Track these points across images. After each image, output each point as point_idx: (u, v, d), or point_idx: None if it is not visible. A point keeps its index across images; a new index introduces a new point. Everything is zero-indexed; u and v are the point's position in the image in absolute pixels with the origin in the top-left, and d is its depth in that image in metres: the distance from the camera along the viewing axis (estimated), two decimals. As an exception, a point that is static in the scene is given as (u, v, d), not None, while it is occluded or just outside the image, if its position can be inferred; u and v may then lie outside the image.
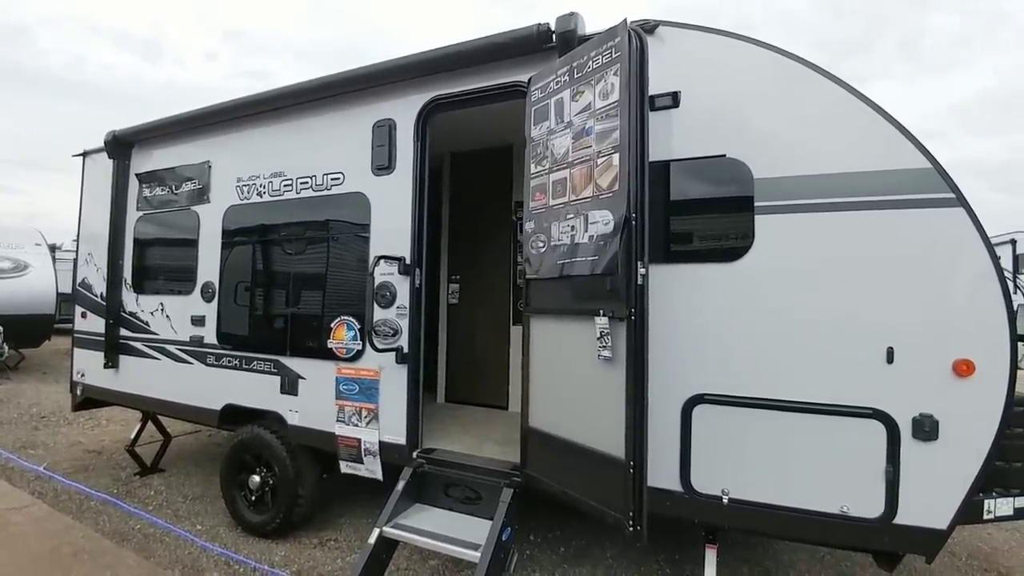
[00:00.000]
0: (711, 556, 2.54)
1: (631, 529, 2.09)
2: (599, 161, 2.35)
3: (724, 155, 2.44)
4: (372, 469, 3.10)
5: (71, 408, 4.97)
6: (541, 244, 2.61)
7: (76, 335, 4.80)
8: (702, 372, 2.39)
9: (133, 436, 4.66)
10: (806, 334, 2.26)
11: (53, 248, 10.87)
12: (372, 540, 2.58)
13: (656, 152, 2.47)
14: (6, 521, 3.63)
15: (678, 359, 2.40)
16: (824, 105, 2.32)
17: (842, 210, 2.23)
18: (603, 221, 2.29)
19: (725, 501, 2.32)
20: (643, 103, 2.22)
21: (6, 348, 8.82)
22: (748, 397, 2.31)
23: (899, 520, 2.11)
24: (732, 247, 2.43)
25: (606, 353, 2.23)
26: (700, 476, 2.38)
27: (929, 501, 2.11)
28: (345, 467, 3.21)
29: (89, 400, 4.74)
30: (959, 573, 3.18)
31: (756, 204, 2.36)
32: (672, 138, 2.53)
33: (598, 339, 2.25)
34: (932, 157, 2.17)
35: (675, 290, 2.44)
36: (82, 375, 4.71)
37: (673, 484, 2.40)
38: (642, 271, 2.14)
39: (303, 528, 3.55)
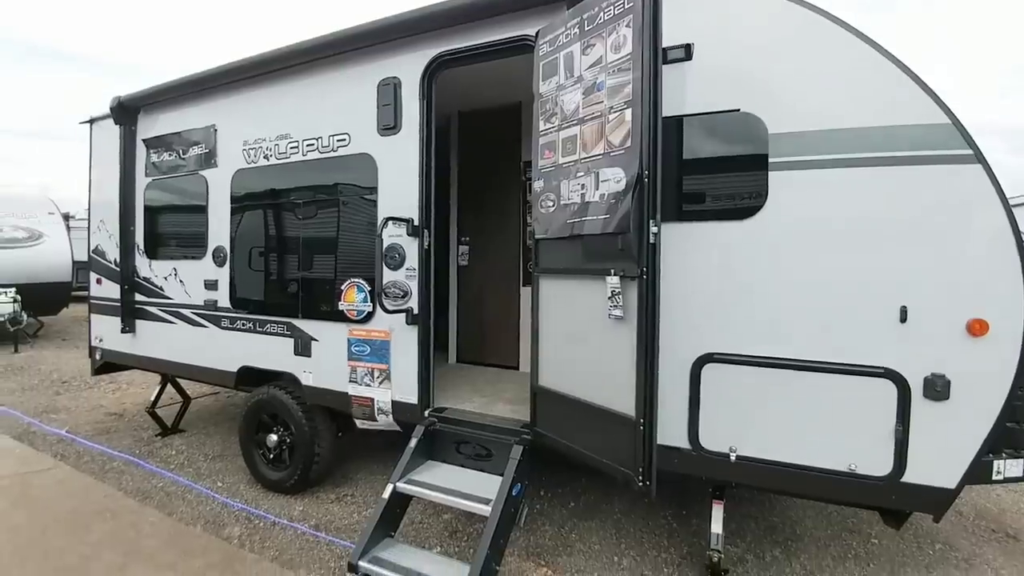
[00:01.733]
0: (717, 511, 2.59)
1: (640, 485, 2.14)
2: (611, 117, 2.29)
3: (738, 109, 2.36)
4: (389, 422, 3.18)
5: (91, 373, 5.10)
6: (551, 203, 2.58)
7: (92, 301, 4.88)
8: (712, 331, 2.38)
9: (153, 398, 4.80)
10: (817, 293, 2.24)
11: (67, 217, 10.96)
12: (386, 495, 2.67)
13: (668, 107, 2.40)
14: (28, 484, 3.78)
15: (688, 318, 2.39)
16: (841, 58, 2.23)
17: (857, 166, 2.18)
18: (615, 179, 2.24)
19: (732, 458, 2.36)
20: (657, 56, 2.14)
21: (25, 316, 9.01)
22: (758, 356, 2.31)
23: (907, 479, 2.13)
24: (744, 205, 2.38)
25: (617, 312, 2.22)
26: (708, 434, 2.40)
27: (938, 460, 2.12)
28: (361, 423, 3.29)
29: (108, 364, 4.86)
30: (966, 533, 3.22)
31: (770, 160, 2.31)
32: (685, 92, 2.45)
33: (609, 298, 2.24)
34: (951, 112, 2.10)
35: (686, 249, 2.41)
36: (100, 340, 4.81)
37: (681, 441, 2.44)
38: (654, 230, 2.11)
39: (320, 484, 3.67)
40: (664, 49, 2.39)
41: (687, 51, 2.42)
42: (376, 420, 3.20)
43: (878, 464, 2.16)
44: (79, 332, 10.22)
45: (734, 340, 2.35)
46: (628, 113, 2.20)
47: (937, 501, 2.15)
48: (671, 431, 2.41)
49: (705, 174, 2.53)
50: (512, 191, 4.49)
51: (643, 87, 2.14)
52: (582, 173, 2.41)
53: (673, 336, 2.35)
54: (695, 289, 2.40)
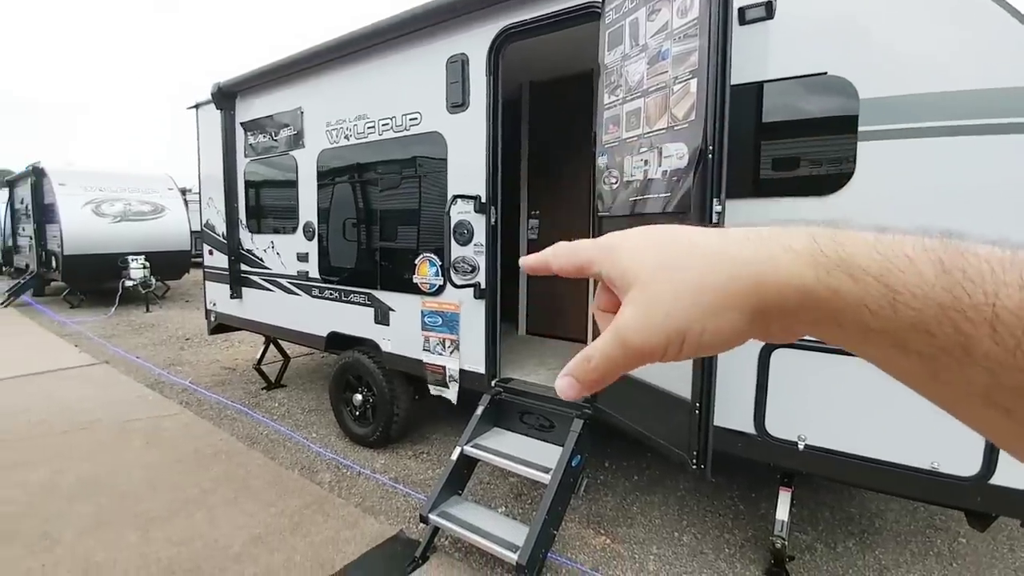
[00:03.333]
0: (784, 498, 2.52)
1: (693, 467, 2.13)
2: (675, 88, 2.19)
3: (825, 72, 2.16)
4: (459, 390, 3.38)
5: (208, 332, 5.81)
6: (614, 180, 2.54)
7: (206, 270, 5.52)
8: (784, 314, 2.27)
9: (259, 356, 5.40)
10: None
11: (184, 191, 12.27)
12: (454, 457, 2.86)
13: (747, 73, 2.26)
14: (159, 426, 4.44)
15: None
16: (946, 9, 1.95)
17: (963, 134, 1.92)
18: (677, 155, 2.16)
19: (801, 447, 2.27)
20: (726, 18, 2.00)
21: (154, 280, 10.33)
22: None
23: (996, 480, 1.95)
24: (829, 179, 2.21)
25: (677, 293, 2.18)
26: (775, 420, 2.33)
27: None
28: (433, 389, 3.52)
29: (221, 325, 5.52)
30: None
31: (860, 129, 2.10)
32: (767, 55, 2.28)
33: (669, 279, 2.20)
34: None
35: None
36: (214, 304, 5.45)
37: (746, 426, 2.38)
38: (718, 209, 2.02)
39: (399, 441, 4.00)
40: (742, 8, 2.25)
41: (768, 9, 2.24)
42: (448, 387, 3.40)
43: (965, 463, 1.99)
44: (199, 295, 11.55)
45: (808, 323, 2.23)
46: (693, 83, 2.09)
47: (1030, 506, 1.96)
48: (736, 415, 2.36)
49: (785, 146, 2.37)
50: (584, 162, 4.42)
51: (710, 54, 2.01)
52: (645, 148, 2.34)
53: (739, 318, 2.27)
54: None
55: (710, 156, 2.02)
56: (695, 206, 2.05)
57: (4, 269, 15.49)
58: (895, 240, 0.28)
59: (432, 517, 2.66)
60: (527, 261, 0.41)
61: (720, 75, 2.03)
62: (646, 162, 2.34)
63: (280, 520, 3.02)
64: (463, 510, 2.73)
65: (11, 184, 13.26)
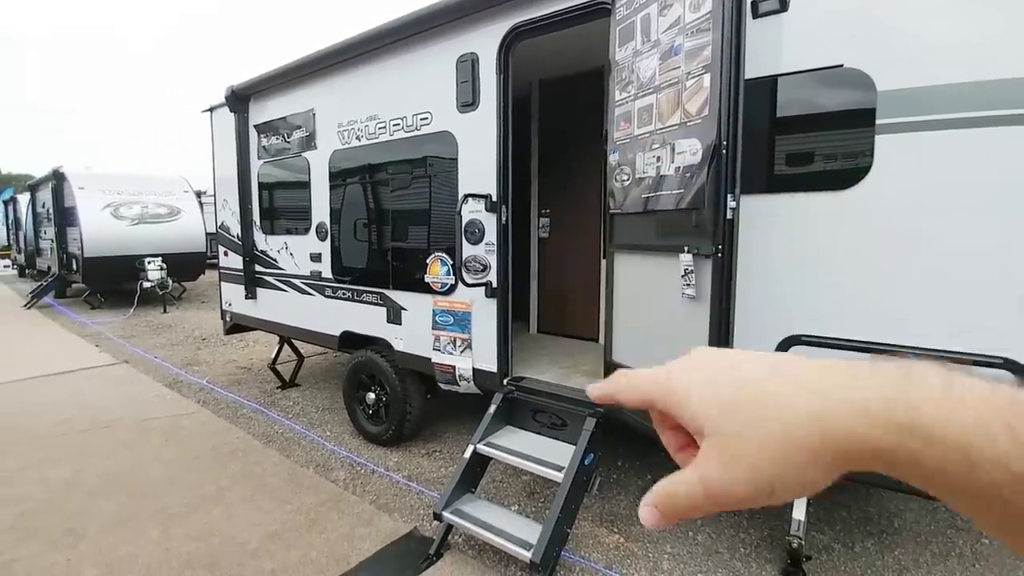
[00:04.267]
0: (801, 499, 2.49)
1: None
2: (688, 84, 2.17)
3: (841, 65, 2.13)
4: (469, 388, 3.39)
5: (224, 332, 5.89)
6: (626, 177, 2.52)
7: (221, 271, 5.59)
8: (800, 311, 2.24)
9: (273, 356, 5.46)
10: (927, 272, 2.01)
11: (199, 194, 12.44)
12: (467, 455, 2.87)
13: (761, 66, 2.23)
14: (177, 425, 4.51)
15: (773, 298, 2.27)
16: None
17: (986, 125, 1.88)
18: (691, 151, 2.15)
19: (818, 443, 2.24)
20: (740, 12, 1.98)
21: (170, 282, 10.49)
22: (852, 340, 2.14)
23: None
24: (845, 173, 2.17)
25: (690, 292, 2.16)
26: (791, 417, 2.30)
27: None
28: (444, 386, 3.53)
29: (237, 326, 5.59)
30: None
31: (878, 121, 2.07)
32: (781, 48, 2.25)
33: (682, 277, 2.18)
34: None
35: (774, 223, 2.26)
36: (229, 304, 5.52)
37: (761, 423, 2.35)
38: (732, 205, 2.00)
39: (412, 439, 4.02)
40: (755, 2, 2.22)
41: (782, 1, 2.21)
42: (458, 385, 3.41)
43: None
44: (214, 296, 11.69)
45: (826, 321, 2.20)
46: (706, 78, 2.07)
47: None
48: (749, 412, 2.34)
49: (800, 140, 2.34)
50: (594, 161, 4.40)
51: (723, 48, 1.99)
52: (658, 145, 2.33)
53: (756, 314, 2.25)
54: (783, 266, 2.26)
55: (724, 152, 2.01)
56: (709, 202, 2.03)
57: (27, 272, 15.85)
58: (966, 398, 0.28)
59: (446, 515, 2.67)
60: (594, 392, 0.43)
61: (734, 69, 2.01)
62: (658, 159, 2.32)
63: (296, 517, 3.06)
64: (476, 508, 2.74)
65: (33, 188, 13.56)
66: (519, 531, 2.51)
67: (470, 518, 2.64)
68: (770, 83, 2.29)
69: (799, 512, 2.47)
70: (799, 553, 2.50)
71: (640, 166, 2.43)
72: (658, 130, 2.34)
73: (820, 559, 2.67)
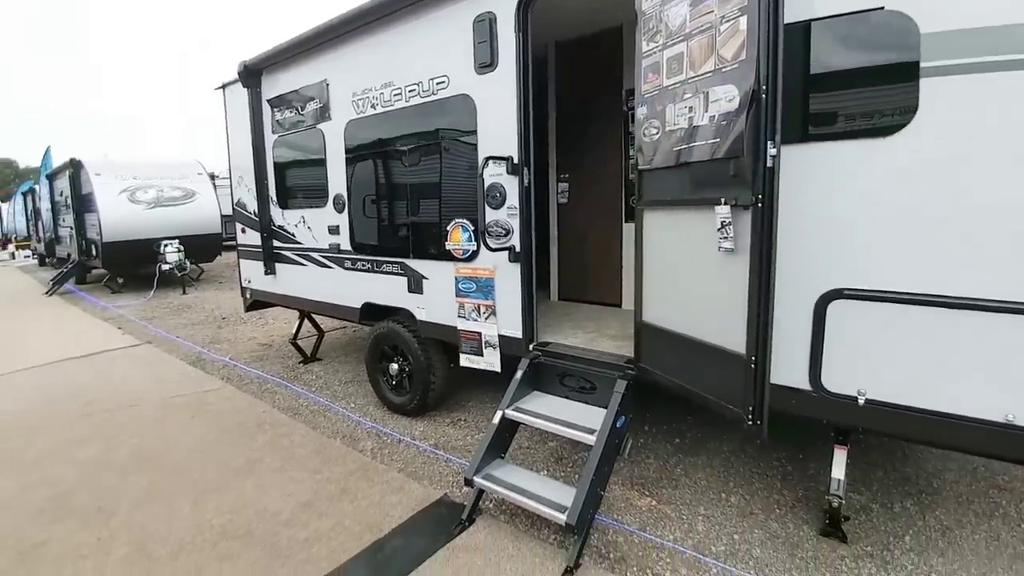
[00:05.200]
0: (840, 456, 2.44)
1: (749, 424, 2.07)
2: (722, 28, 2.05)
3: (882, 8, 1.99)
4: (491, 361, 3.35)
5: (244, 309, 5.92)
6: (655, 131, 2.42)
7: (240, 248, 5.59)
8: (841, 265, 2.15)
9: (294, 331, 5.49)
10: (974, 220, 1.90)
11: (212, 176, 12.46)
12: (496, 420, 2.85)
13: (793, 11, 2.10)
14: (203, 401, 4.56)
15: (813, 251, 2.17)
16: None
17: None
18: (726, 97, 2.04)
19: (861, 402, 2.17)
20: (782, -55, 1.85)
21: (188, 263, 10.58)
22: (898, 292, 2.05)
23: (1082, 428, 1.83)
24: (888, 119, 2.05)
25: (727, 245, 2.08)
26: (832, 375, 2.22)
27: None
28: (465, 360, 3.49)
29: (257, 302, 5.61)
30: None
31: (922, 65, 1.94)
32: (819, -10, 2.11)
33: (718, 230, 2.10)
34: None
35: (812, 173, 2.15)
36: (249, 282, 5.53)
37: (801, 382, 2.29)
38: (772, 152, 1.90)
39: (437, 409, 4.02)
40: (791, -63, 2.08)
41: (822, -63, 2.07)
42: (483, 355, 3.38)
43: (1045, 414, 1.87)
44: (232, 276, 11.84)
45: (868, 274, 2.10)
46: (743, 21, 1.96)
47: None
48: (788, 371, 2.27)
49: (838, 87, 2.19)
50: (614, 123, 4.27)
51: (764, -14, 1.87)
52: (689, 94, 2.22)
53: (794, 269, 2.17)
54: (822, 217, 2.15)
55: (763, 96, 1.90)
56: (748, 150, 1.93)
57: (47, 260, 16.10)
58: None
59: (477, 480, 2.66)
60: None
61: (772, 9, 1.89)
62: (691, 109, 2.22)
63: (327, 487, 3.08)
64: (507, 473, 2.73)
65: (51, 178, 13.67)
66: (552, 494, 2.49)
67: (502, 483, 2.63)
68: (803, 29, 2.16)
69: (839, 471, 2.42)
70: (838, 513, 2.46)
71: (671, 118, 2.32)
72: (690, 79, 2.23)
73: (858, 519, 2.63)
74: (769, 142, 1.90)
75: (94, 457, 3.57)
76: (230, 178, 5.61)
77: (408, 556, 2.45)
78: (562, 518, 2.31)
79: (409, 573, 2.33)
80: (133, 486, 3.19)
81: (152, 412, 4.34)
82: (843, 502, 2.43)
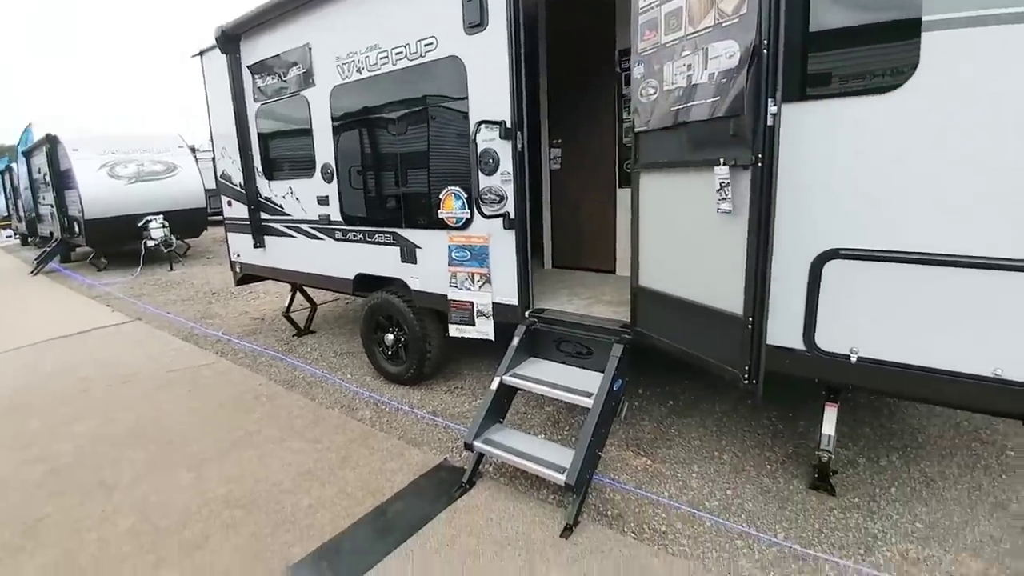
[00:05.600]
0: (831, 413, 2.50)
1: (745, 383, 2.10)
2: (724, -22, 1.99)
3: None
4: (483, 330, 3.35)
5: (235, 284, 5.85)
6: (652, 90, 2.37)
7: (227, 221, 5.48)
8: (837, 225, 2.15)
9: (287, 304, 5.45)
10: (971, 178, 1.90)
11: (193, 149, 12.12)
12: (494, 386, 2.88)
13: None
14: (199, 375, 4.55)
15: (809, 211, 2.17)
16: None
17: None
18: (726, 54, 1.99)
19: (853, 360, 2.21)
20: None
21: (174, 239, 10.40)
22: (892, 251, 2.06)
23: (1066, 381, 1.88)
24: (888, 75, 2.02)
25: (726, 206, 2.07)
26: (826, 334, 2.26)
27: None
28: (454, 330, 3.46)
29: (247, 276, 5.54)
30: None
31: (924, 18, 1.90)
32: (818, -61, 2.05)
33: (717, 191, 2.08)
34: None
35: (811, 132, 2.13)
36: (238, 255, 5.45)
37: (795, 342, 2.32)
38: (773, 109, 1.87)
39: (433, 378, 4.05)
40: None
41: None
42: (474, 324, 3.37)
43: (1032, 367, 1.92)
44: (220, 251, 11.67)
45: (866, 234, 2.10)
46: (746, -29, 1.90)
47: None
48: (783, 331, 2.30)
49: (837, 42, 2.15)
50: (606, 86, 4.19)
51: (766, -66, 1.81)
52: (688, 52, 2.17)
53: (790, 230, 2.17)
54: (821, 178, 2.14)
55: (765, 52, 1.86)
56: (748, 108, 1.90)
57: (30, 240, 15.74)
58: None
59: (477, 444, 2.70)
60: None
61: (774, -41, 1.83)
62: (689, 67, 2.17)
63: (327, 455, 3.11)
64: (506, 437, 2.77)
65: (27, 155, 13.24)
66: (551, 456, 2.53)
67: (501, 446, 2.67)
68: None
69: (829, 427, 2.48)
70: (827, 467, 2.53)
71: (668, 77, 2.27)
72: (689, 35, 2.17)
73: (846, 473, 2.71)
74: (770, 99, 1.87)
75: (91, 432, 3.57)
76: (212, 149, 5.46)
77: (411, 518, 2.50)
78: (561, 478, 2.36)
79: (413, 534, 2.39)
80: (133, 459, 3.20)
81: (147, 387, 4.33)
82: (832, 457, 2.50)
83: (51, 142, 10.80)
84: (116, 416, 3.80)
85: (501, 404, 2.94)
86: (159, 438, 3.44)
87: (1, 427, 3.73)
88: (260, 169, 4.84)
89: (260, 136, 4.77)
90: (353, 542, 2.39)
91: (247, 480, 2.91)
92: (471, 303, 3.36)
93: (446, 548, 2.30)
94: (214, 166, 5.50)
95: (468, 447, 2.73)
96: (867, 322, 2.16)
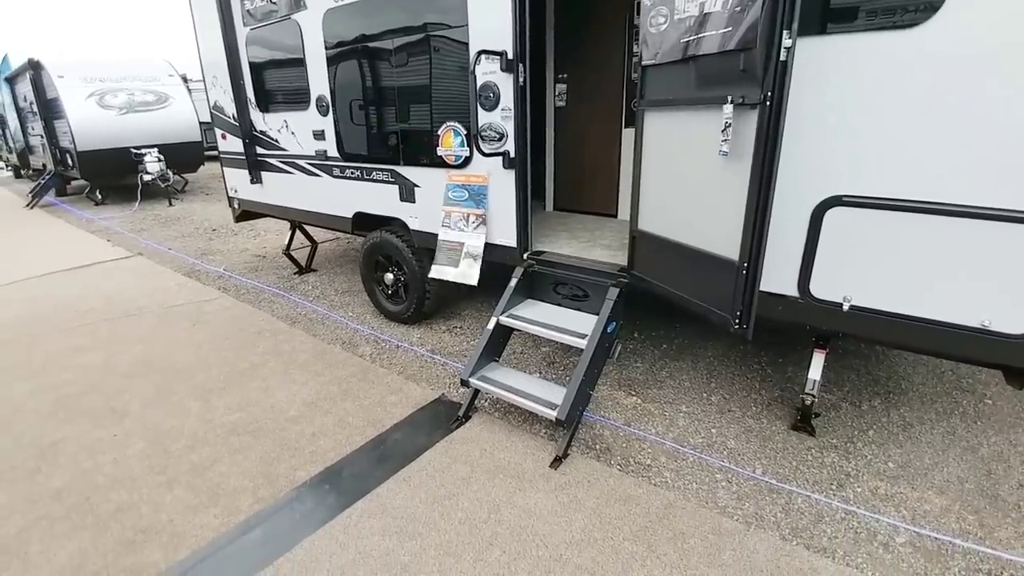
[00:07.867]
0: (818, 358, 2.55)
1: (736, 327, 2.13)
2: None
3: None
4: (466, 273, 3.31)
5: (234, 220, 5.80)
6: (662, 19, 2.25)
7: (222, 156, 5.37)
8: (844, 170, 2.10)
9: (287, 242, 5.44)
10: (993, 125, 1.83)
11: (185, 79, 11.64)
12: (490, 326, 2.92)
13: None
14: (202, 310, 4.61)
15: (816, 155, 2.12)
16: None
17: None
18: (742, -19, 1.88)
19: (845, 308, 2.23)
20: None
21: (171, 174, 10.21)
22: (895, 199, 2.03)
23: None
24: (913, 9, 1.91)
25: (726, 148, 2.02)
26: (821, 282, 2.26)
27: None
28: (435, 271, 3.44)
29: (246, 213, 5.49)
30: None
31: None
32: None
33: (722, 131, 2.02)
34: None
35: (825, 70, 2.04)
36: (236, 191, 5.38)
37: (789, 289, 2.33)
38: (787, 43, 1.79)
39: (433, 318, 4.12)
40: None
41: None
42: (457, 266, 3.35)
43: (1017, 321, 1.94)
44: (218, 187, 11.50)
45: (872, 180, 2.06)
46: None
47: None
48: (777, 278, 2.31)
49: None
50: (616, 18, 3.96)
51: None
52: (702, -22, 2.04)
53: (795, 175, 2.13)
54: (831, 120, 2.07)
55: (781, -22, 1.75)
56: (762, 40, 1.81)
57: (22, 172, 15.45)
58: None
59: (472, 380, 2.78)
60: None
61: None
62: (701, -5, 2.05)
63: (330, 387, 3.21)
64: (501, 374, 2.85)
65: (11, 81, 12.73)
66: (544, 393, 2.62)
67: (496, 383, 2.75)
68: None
69: (815, 372, 2.54)
70: (810, 409, 2.62)
71: (680, 4, 2.15)
72: (702, -40, 2.03)
73: (828, 416, 2.81)
74: (785, 31, 1.78)
75: (99, 363, 3.67)
76: (203, 79, 5.25)
77: (409, 447, 2.62)
78: (552, 414, 2.45)
79: (410, 462, 2.51)
80: (141, 388, 3.31)
81: (152, 321, 4.40)
82: (815, 400, 2.58)
83: (34, 67, 10.34)
84: (123, 348, 3.89)
85: (497, 343, 3.00)
86: (167, 369, 3.55)
87: (10, 357, 3.83)
88: (253, 100, 4.68)
89: (252, 66, 4.58)
90: (354, 467, 2.52)
91: (253, 408, 3.03)
92: (461, 244, 3.34)
93: (441, 474, 2.43)
94: (206, 95, 5.32)
95: (464, 383, 2.81)
96: (862, 271, 2.17)
